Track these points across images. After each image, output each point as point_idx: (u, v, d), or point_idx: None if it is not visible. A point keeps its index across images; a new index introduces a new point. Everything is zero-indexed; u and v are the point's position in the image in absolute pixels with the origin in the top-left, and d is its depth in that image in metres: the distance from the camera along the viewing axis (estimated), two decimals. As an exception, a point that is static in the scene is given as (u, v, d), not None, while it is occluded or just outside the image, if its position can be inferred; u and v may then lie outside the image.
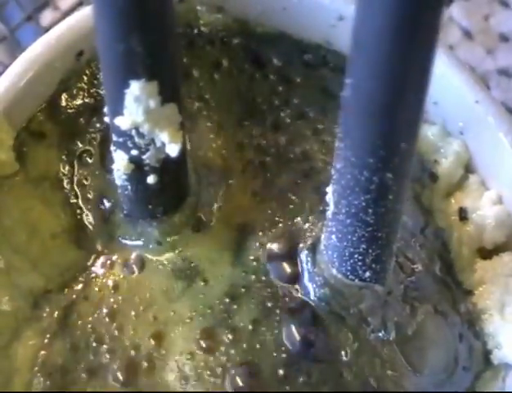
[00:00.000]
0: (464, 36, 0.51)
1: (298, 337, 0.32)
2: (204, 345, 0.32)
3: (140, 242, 0.34)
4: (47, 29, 0.49)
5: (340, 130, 0.27)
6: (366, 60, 0.24)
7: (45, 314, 0.33)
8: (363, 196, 0.28)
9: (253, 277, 0.33)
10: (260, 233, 0.34)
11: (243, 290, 0.33)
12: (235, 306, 0.33)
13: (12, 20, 0.52)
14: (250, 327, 0.32)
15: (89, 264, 0.34)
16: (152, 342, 0.32)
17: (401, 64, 0.24)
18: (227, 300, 0.33)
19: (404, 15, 0.23)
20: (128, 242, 0.34)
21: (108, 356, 0.32)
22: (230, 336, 0.32)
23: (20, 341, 0.32)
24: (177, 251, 0.34)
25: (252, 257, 0.34)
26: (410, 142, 0.26)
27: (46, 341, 0.32)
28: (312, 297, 0.32)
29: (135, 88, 0.27)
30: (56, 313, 0.33)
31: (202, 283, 0.33)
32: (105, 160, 0.35)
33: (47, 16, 0.51)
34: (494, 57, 0.51)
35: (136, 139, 0.29)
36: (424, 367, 0.33)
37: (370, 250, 0.30)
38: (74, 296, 0.33)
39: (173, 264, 0.34)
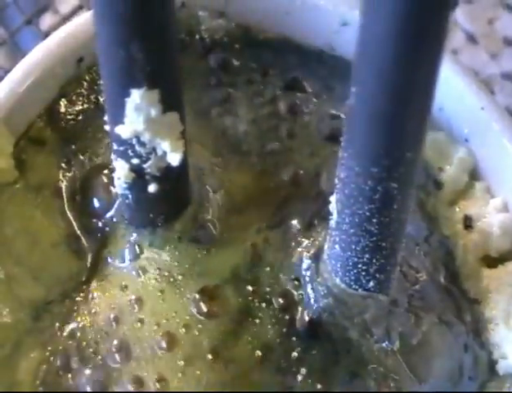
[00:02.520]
0: (468, 40, 0.51)
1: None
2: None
3: (139, 251, 0.33)
4: (46, 33, 0.49)
5: (344, 139, 0.27)
6: (370, 67, 0.24)
7: (46, 326, 0.32)
8: (367, 205, 0.27)
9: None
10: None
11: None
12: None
13: (12, 24, 0.51)
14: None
15: (89, 273, 0.33)
16: (160, 351, 0.32)
17: (406, 71, 0.23)
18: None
19: (409, 21, 0.22)
20: (128, 251, 0.34)
21: (113, 367, 0.31)
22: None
23: (22, 353, 0.32)
24: (177, 259, 0.33)
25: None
26: (416, 151, 0.26)
27: (47, 353, 0.32)
28: (314, 307, 0.32)
29: (136, 96, 0.27)
30: (58, 325, 0.32)
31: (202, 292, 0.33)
32: (104, 169, 0.34)
33: (46, 20, 0.51)
34: (498, 61, 0.51)
35: (137, 148, 0.29)
36: (429, 377, 0.32)
37: (374, 260, 0.29)
38: (75, 307, 0.33)
39: (174, 272, 0.33)
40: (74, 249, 0.34)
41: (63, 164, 0.35)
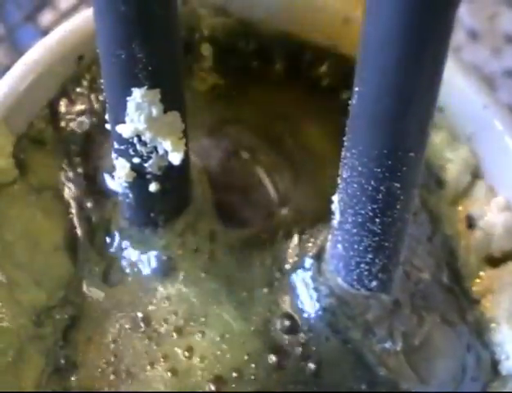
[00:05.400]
0: (469, 37, 0.51)
1: None
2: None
3: (141, 251, 0.33)
4: (46, 30, 0.49)
5: (347, 139, 0.26)
6: (373, 67, 0.24)
7: (48, 332, 0.32)
8: (370, 205, 0.27)
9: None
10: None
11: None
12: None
13: (11, 20, 0.51)
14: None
15: (90, 276, 0.33)
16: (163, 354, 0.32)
17: (410, 71, 0.23)
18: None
19: (414, 20, 0.22)
20: (129, 251, 0.33)
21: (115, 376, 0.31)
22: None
23: (24, 360, 0.31)
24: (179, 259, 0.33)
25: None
26: (419, 151, 0.26)
27: (50, 360, 0.31)
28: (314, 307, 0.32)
29: (137, 95, 0.27)
30: (60, 330, 0.32)
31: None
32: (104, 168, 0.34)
33: (46, 16, 0.51)
34: (499, 58, 0.50)
35: (138, 147, 0.29)
36: (432, 377, 0.32)
37: (377, 260, 0.29)
38: (77, 312, 0.32)
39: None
40: (75, 251, 0.33)
41: (64, 165, 0.34)
